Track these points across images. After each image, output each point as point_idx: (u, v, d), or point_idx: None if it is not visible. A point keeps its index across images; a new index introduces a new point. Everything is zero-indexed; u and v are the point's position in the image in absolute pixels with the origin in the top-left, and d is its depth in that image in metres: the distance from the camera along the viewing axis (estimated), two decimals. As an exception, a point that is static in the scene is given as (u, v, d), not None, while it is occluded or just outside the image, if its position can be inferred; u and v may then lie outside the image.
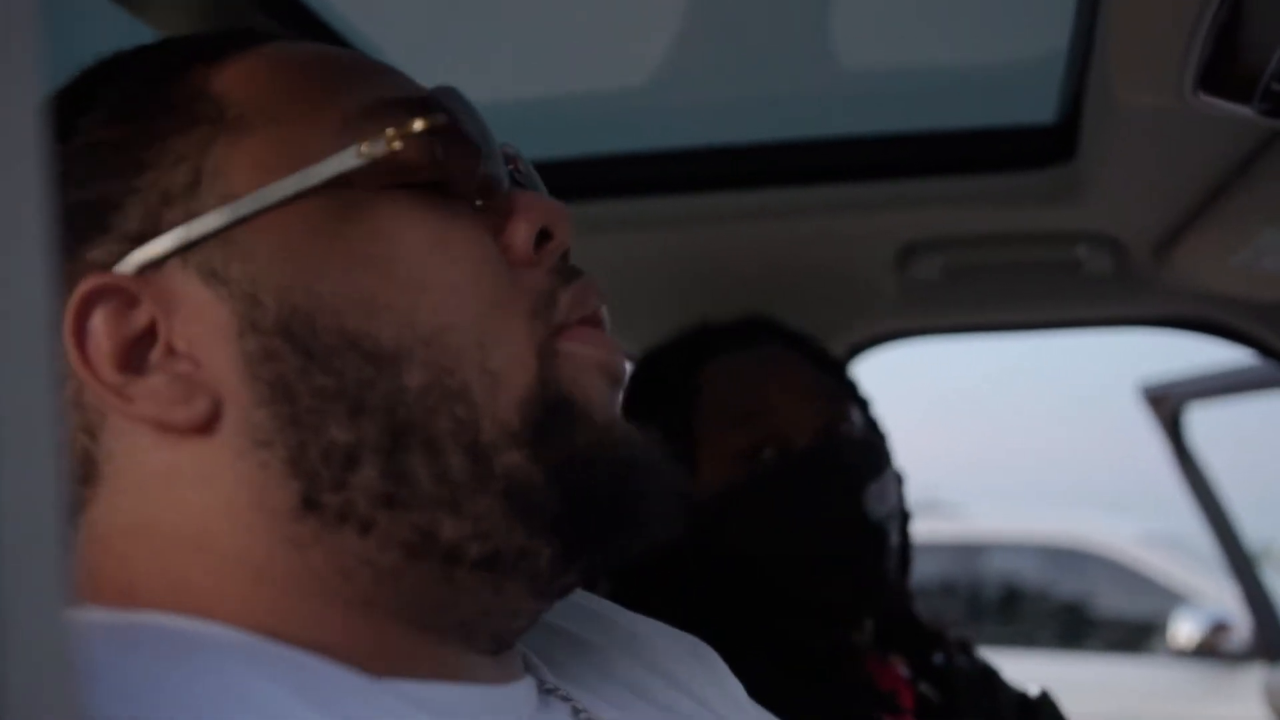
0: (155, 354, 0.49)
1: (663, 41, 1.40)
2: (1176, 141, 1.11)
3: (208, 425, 0.49)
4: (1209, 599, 4.65)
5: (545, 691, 0.57)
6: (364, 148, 0.50)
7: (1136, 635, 5.16)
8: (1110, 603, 5.31)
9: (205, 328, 0.49)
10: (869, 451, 1.12)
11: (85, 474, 0.50)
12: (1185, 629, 4.54)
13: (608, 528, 0.54)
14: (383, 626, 0.51)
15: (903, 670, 1.11)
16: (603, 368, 0.54)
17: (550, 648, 0.62)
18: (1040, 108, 1.31)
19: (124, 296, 0.49)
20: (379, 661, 0.50)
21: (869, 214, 1.42)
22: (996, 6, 1.32)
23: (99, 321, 0.49)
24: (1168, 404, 2.51)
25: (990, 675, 1.11)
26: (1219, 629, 4.40)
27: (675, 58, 1.41)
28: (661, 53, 1.42)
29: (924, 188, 1.38)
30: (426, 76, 1.48)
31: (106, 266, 0.49)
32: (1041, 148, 1.29)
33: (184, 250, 0.49)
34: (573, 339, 0.53)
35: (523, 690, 0.55)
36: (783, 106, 1.50)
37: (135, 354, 0.49)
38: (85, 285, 0.49)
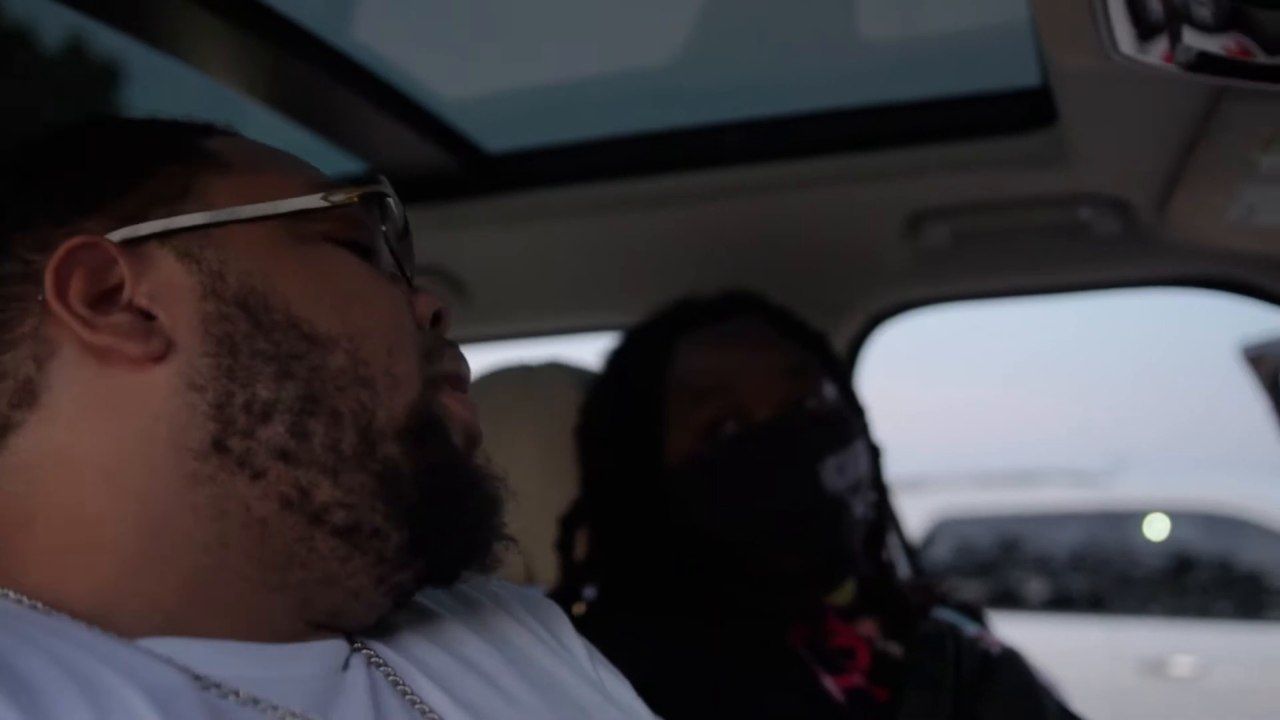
0: (121, 303, 0.60)
1: (684, 22, 1.44)
2: (1139, 100, 1.09)
3: (154, 362, 0.59)
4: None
5: (356, 650, 0.63)
6: (326, 196, 0.66)
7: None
8: (1269, 569, 5.12)
9: (171, 290, 0.61)
10: (830, 425, 1.13)
11: (22, 399, 0.60)
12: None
13: (449, 531, 0.64)
14: (226, 576, 0.60)
15: (867, 631, 1.12)
16: (465, 425, 0.67)
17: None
18: (1029, 72, 1.31)
19: (104, 256, 0.61)
20: (192, 613, 0.58)
21: (876, 183, 1.42)
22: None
23: (80, 269, 0.60)
24: (1268, 363, 2.42)
25: (948, 635, 1.11)
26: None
27: (694, 38, 1.45)
28: (682, 33, 1.45)
29: (926, 155, 1.38)
30: (460, 65, 1.54)
31: (96, 234, 0.61)
32: (1028, 111, 1.28)
33: (164, 236, 0.62)
34: (449, 396, 0.66)
35: (321, 649, 0.62)
36: (788, 81, 1.51)
37: (105, 300, 0.60)
38: (73, 241, 0.60)
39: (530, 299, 1.69)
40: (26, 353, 0.60)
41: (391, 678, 0.63)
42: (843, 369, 1.25)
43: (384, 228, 0.69)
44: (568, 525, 1.19)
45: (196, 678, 0.55)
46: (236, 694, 0.56)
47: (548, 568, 1.23)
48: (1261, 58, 0.94)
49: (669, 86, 1.54)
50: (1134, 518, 5.44)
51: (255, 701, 0.56)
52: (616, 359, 1.25)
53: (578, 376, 1.32)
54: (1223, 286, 1.50)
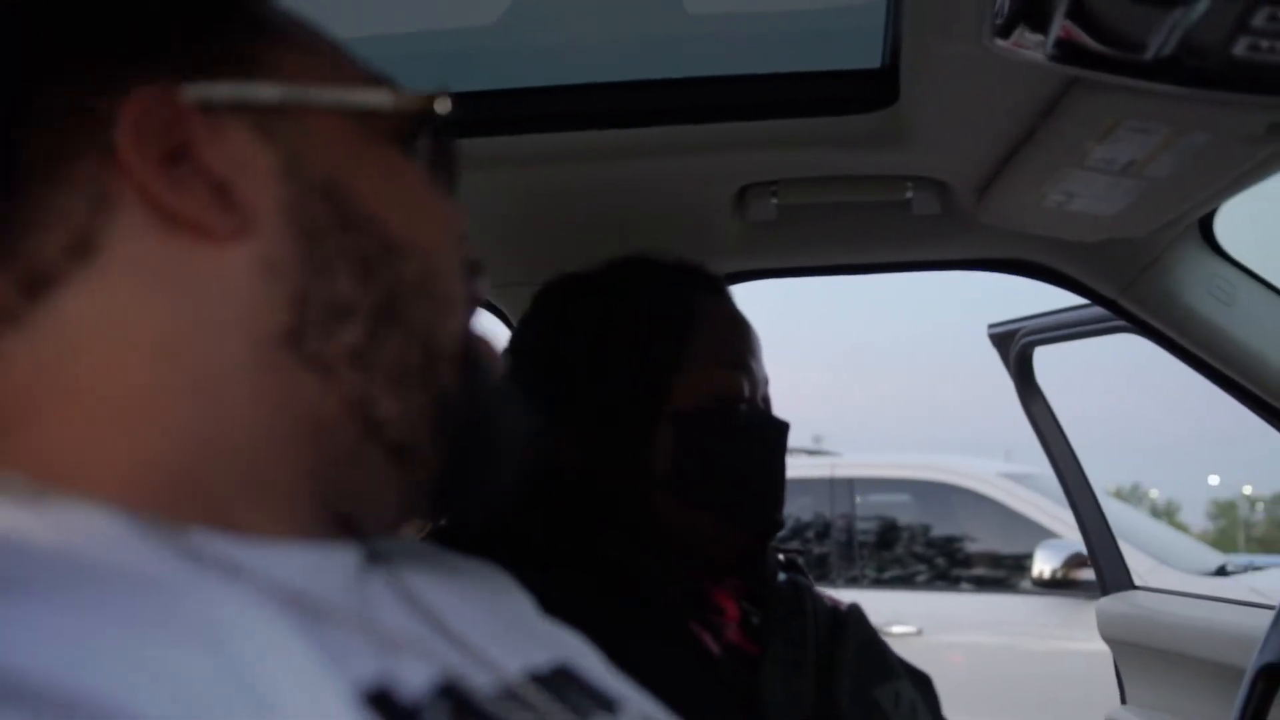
0: (195, 168, 0.54)
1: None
2: (988, 86, 1.15)
3: (232, 239, 0.54)
4: (1075, 533, 4.83)
5: (367, 561, 0.59)
6: (395, 97, 0.61)
7: (1003, 568, 5.36)
8: (978, 537, 5.50)
9: (248, 166, 0.55)
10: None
11: (75, 250, 0.52)
12: (1044, 562, 4.71)
13: (480, 459, 0.61)
14: (282, 474, 0.55)
15: (729, 591, 1.16)
16: (492, 358, 0.64)
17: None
18: (871, 53, 1.36)
19: (177, 112, 0.54)
20: (245, 510, 0.53)
21: (709, 155, 1.45)
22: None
23: (156, 124, 0.54)
24: (1015, 344, 2.59)
25: (802, 591, 1.17)
26: (1076, 561, 4.59)
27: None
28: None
29: (762, 129, 1.42)
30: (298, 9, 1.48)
31: (169, 84, 0.54)
32: (868, 92, 1.33)
33: (238, 106, 0.56)
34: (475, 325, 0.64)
35: (347, 554, 0.57)
36: (628, 48, 1.53)
37: (175, 163, 0.54)
38: (152, 94, 0.54)
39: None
40: (81, 199, 0.53)
41: (400, 587, 0.59)
42: None
43: (437, 137, 0.64)
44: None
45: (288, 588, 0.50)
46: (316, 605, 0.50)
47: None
48: (1097, 47, 1.01)
49: (498, 46, 1.53)
50: (856, 488, 5.74)
51: (319, 609, 0.51)
52: (620, 295, 1.22)
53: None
54: (1025, 269, 1.61)
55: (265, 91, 0.56)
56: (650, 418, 1.13)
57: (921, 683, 1.17)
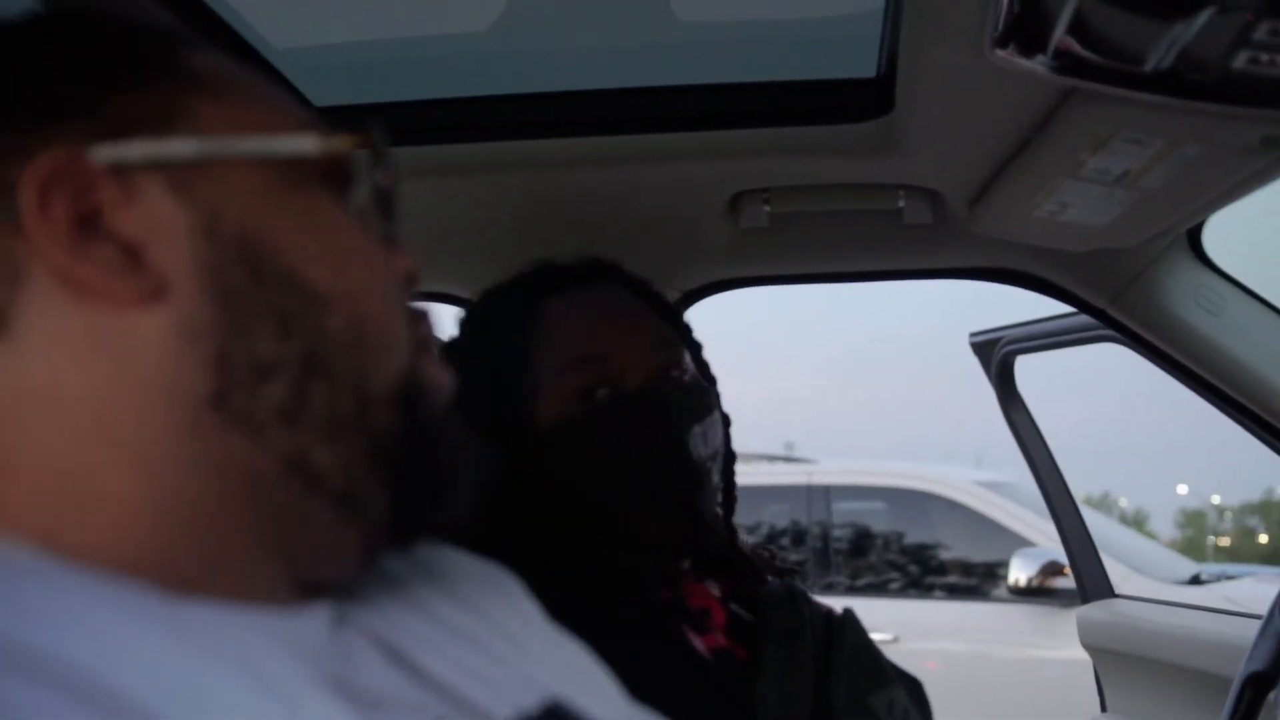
0: (104, 233, 0.54)
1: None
2: (984, 96, 1.16)
3: (145, 304, 0.54)
4: (1049, 542, 4.85)
5: (339, 618, 0.59)
6: (322, 141, 0.60)
7: (978, 576, 5.38)
8: (953, 545, 5.52)
9: (160, 226, 0.55)
10: (695, 395, 1.16)
11: None
12: (1020, 570, 4.73)
13: (432, 493, 0.62)
14: (232, 538, 0.55)
15: (715, 591, 1.16)
16: (441, 394, 0.64)
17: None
18: (865, 62, 1.37)
19: (87, 177, 0.54)
20: (206, 576, 0.54)
21: (703, 162, 1.45)
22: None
23: (62, 188, 0.53)
24: (997, 353, 2.60)
25: (798, 596, 1.17)
26: (1051, 570, 4.61)
27: (517, 4, 1.43)
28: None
29: (756, 137, 1.42)
30: (275, 13, 1.47)
31: (77, 148, 0.54)
32: (863, 101, 1.34)
33: (151, 164, 0.55)
34: (427, 361, 0.63)
35: (315, 616, 0.57)
36: (621, 55, 1.53)
37: (85, 228, 0.54)
38: (58, 154, 0.53)
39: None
40: None
41: (376, 640, 0.59)
42: (695, 341, 1.28)
43: (374, 178, 0.63)
44: None
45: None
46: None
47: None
48: (1096, 59, 1.02)
49: (489, 52, 1.53)
50: (832, 495, 5.76)
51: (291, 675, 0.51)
52: (477, 320, 1.23)
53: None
54: (1014, 279, 1.62)
55: (181, 147, 0.56)
56: (525, 434, 1.13)
57: (914, 689, 1.17)
